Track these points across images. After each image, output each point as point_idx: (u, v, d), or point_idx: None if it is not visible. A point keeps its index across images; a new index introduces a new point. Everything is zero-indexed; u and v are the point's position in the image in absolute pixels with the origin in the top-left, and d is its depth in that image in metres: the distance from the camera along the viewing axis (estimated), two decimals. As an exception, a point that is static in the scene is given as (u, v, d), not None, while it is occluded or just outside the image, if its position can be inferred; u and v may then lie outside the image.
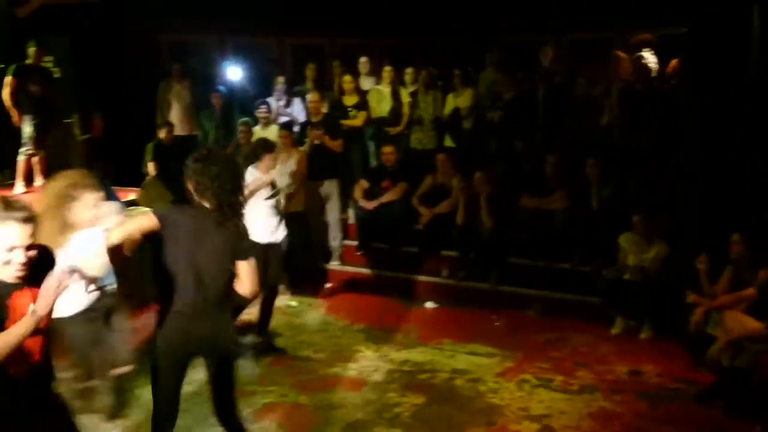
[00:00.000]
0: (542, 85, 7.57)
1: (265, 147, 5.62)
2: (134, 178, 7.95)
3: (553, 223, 6.49)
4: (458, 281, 6.82)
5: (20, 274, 2.46)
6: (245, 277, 3.22)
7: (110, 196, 6.84)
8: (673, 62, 6.86)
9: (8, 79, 7.59)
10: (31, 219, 2.45)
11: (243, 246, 3.26)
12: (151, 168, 7.94)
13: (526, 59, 8.34)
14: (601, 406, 4.62)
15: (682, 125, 6.09)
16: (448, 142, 8.13)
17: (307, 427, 4.33)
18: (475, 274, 6.78)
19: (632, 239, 5.86)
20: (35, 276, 2.49)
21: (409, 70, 8.50)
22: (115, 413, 4.04)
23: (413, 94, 8.31)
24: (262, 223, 5.36)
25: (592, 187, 6.43)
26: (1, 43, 8.73)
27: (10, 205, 2.43)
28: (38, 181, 8.11)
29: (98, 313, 3.69)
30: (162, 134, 8.19)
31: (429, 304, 6.64)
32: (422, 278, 7.01)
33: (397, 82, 8.46)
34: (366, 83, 8.71)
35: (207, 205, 3.20)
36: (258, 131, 8.03)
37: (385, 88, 8.40)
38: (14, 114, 7.59)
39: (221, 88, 9.19)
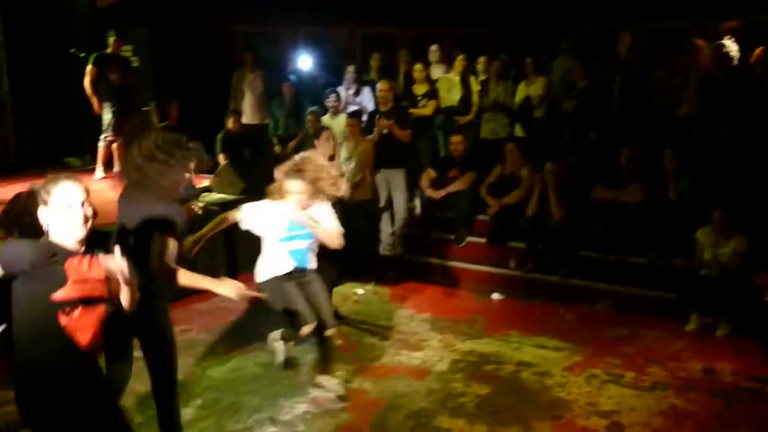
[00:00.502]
0: (619, 75, 7.35)
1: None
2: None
3: (627, 215, 6.30)
4: (526, 273, 6.71)
5: (80, 233, 2.51)
6: None
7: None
8: (758, 51, 6.54)
9: (89, 68, 7.88)
10: (73, 177, 2.60)
11: None
12: (221, 159, 8.11)
13: (602, 48, 8.13)
14: (673, 404, 4.47)
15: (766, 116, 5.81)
16: (519, 132, 8.01)
17: (370, 412, 4.35)
18: (543, 266, 6.66)
19: (710, 234, 5.64)
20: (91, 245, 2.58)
21: (481, 59, 8.41)
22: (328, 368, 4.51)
23: (484, 83, 8.22)
24: None
25: (669, 180, 6.21)
26: (82, 33, 9.08)
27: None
28: (117, 166, 8.39)
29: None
30: (229, 123, 8.33)
31: (495, 296, 6.55)
32: (489, 269, 6.93)
33: (467, 71, 8.37)
34: (436, 72, 8.65)
35: None
36: (327, 120, 8.09)
37: (456, 77, 8.33)
38: (95, 101, 7.88)
39: (292, 77, 9.30)
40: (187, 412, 4.28)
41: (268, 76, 9.38)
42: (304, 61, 9.54)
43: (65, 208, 2.50)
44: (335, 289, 6.59)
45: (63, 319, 2.48)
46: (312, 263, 4.48)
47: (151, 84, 9.89)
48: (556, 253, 6.59)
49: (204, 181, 7.60)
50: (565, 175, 6.62)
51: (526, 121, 7.97)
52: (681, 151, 6.26)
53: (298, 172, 4.27)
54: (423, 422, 4.24)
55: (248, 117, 8.97)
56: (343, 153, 7.03)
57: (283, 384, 4.71)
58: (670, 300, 5.82)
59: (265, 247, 4.46)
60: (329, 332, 4.43)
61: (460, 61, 8.33)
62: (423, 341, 5.49)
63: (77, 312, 2.50)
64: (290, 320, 4.41)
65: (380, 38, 10.47)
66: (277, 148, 8.81)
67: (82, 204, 2.53)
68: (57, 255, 2.48)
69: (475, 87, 8.23)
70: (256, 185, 7.31)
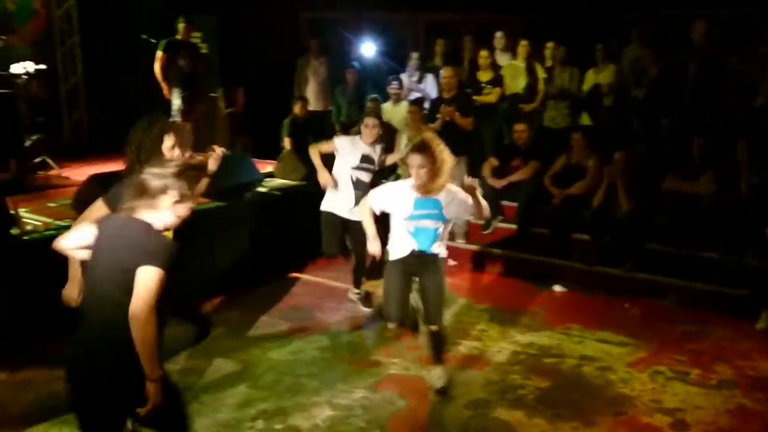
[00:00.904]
0: (692, 63, 7.09)
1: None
2: (271, 151, 8.24)
3: (698, 207, 6.09)
4: (590, 266, 6.56)
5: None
6: None
7: (250, 168, 7.21)
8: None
9: (159, 54, 8.08)
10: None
11: None
12: (287, 143, 8.21)
13: (674, 35, 7.86)
14: (740, 403, 4.31)
15: None
16: (585, 121, 7.83)
17: (428, 401, 4.34)
18: (608, 259, 6.49)
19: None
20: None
21: (549, 45, 8.21)
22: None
23: (549, 70, 8.05)
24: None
25: (742, 172, 5.96)
26: (153, 20, 9.31)
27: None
28: (186, 152, 8.58)
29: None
30: (296, 109, 8.42)
31: (557, 288, 6.44)
32: (551, 261, 6.81)
33: (533, 58, 8.22)
34: (501, 59, 8.53)
35: None
36: (388, 107, 8.09)
37: (521, 64, 8.18)
38: (165, 86, 8.07)
39: (355, 64, 9.32)
40: (247, 393, 4.39)
41: (332, 62, 9.43)
42: (368, 48, 9.54)
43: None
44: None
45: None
46: (437, 248, 4.29)
47: (218, 70, 10.09)
48: (621, 246, 6.41)
49: (267, 167, 7.71)
50: (634, 165, 6.42)
51: (593, 110, 7.77)
52: (755, 143, 6.00)
53: (425, 149, 4.09)
54: (481, 413, 4.21)
55: (312, 103, 9.05)
56: (404, 141, 7.02)
57: (342, 368, 4.76)
58: (739, 296, 5.61)
59: (392, 225, 4.34)
60: (433, 328, 4.37)
61: (523, 47, 8.18)
62: (482, 331, 5.44)
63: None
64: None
65: (444, 25, 10.38)
66: (340, 135, 8.86)
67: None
68: None
69: (541, 74, 8.06)
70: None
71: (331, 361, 4.87)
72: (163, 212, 2.74)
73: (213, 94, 9.42)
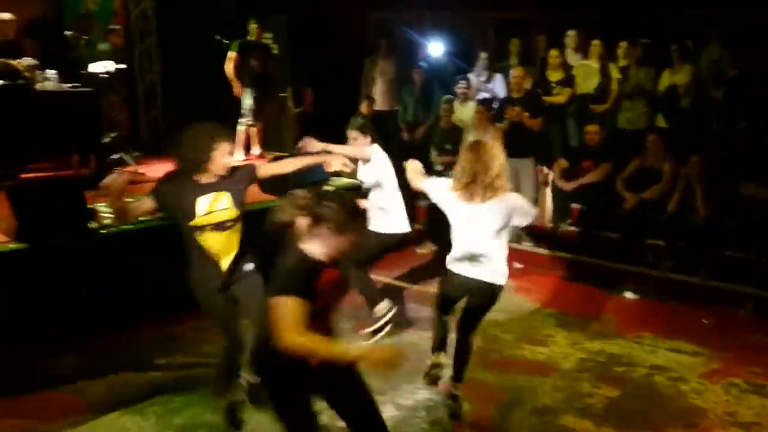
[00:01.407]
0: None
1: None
2: (338, 151, 8.28)
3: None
4: (663, 272, 6.35)
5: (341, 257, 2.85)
6: None
7: (318, 168, 7.27)
8: None
9: (232, 54, 8.26)
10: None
11: None
12: (353, 141, 8.23)
13: (755, 36, 7.53)
14: (824, 422, 4.10)
15: None
16: (660, 122, 7.58)
17: (491, 405, 4.29)
18: (683, 265, 6.26)
19: None
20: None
21: (623, 44, 7.99)
22: None
23: (624, 70, 7.83)
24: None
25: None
26: (226, 21, 9.51)
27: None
28: (255, 150, 8.77)
29: None
30: (363, 108, 8.45)
31: (629, 294, 6.26)
32: (623, 266, 6.61)
33: (606, 57, 8.01)
34: (573, 58, 8.35)
35: None
36: (456, 107, 8.03)
37: (594, 63, 7.99)
38: (236, 85, 8.23)
39: (422, 63, 9.30)
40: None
41: (400, 62, 9.43)
42: (435, 48, 9.50)
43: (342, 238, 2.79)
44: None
45: None
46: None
47: (288, 70, 10.22)
48: (697, 252, 6.19)
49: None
50: (712, 168, 6.19)
51: (669, 111, 7.52)
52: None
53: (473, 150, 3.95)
54: (547, 420, 4.13)
55: (378, 103, 9.07)
56: (470, 140, 6.95)
57: (406, 369, 4.73)
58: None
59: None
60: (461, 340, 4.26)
61: (596, 47, 7.99)
62: (548, 337, 5.34)
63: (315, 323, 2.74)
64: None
65: (514, 23, 10.23)
66: (405, 135, 8.85)
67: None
68: (317, 272, 2.78)
69: (615, 74, 7.86)
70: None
71: (395, 362, 4.85)
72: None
73: (282, 94, 9.56)
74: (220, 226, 3.66)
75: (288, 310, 2.59)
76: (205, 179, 3.64)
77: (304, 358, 2.71)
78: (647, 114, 7.56)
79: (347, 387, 2.98)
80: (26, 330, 4.78)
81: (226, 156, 3.64)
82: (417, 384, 4.49)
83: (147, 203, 3.69)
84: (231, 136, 3.83)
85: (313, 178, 7.03)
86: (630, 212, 6.62)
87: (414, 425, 4.05)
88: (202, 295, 3.70)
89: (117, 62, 8.40)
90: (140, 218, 4.13)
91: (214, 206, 3.65)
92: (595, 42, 8.03)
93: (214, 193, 3.66)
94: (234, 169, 3.76)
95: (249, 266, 3.79)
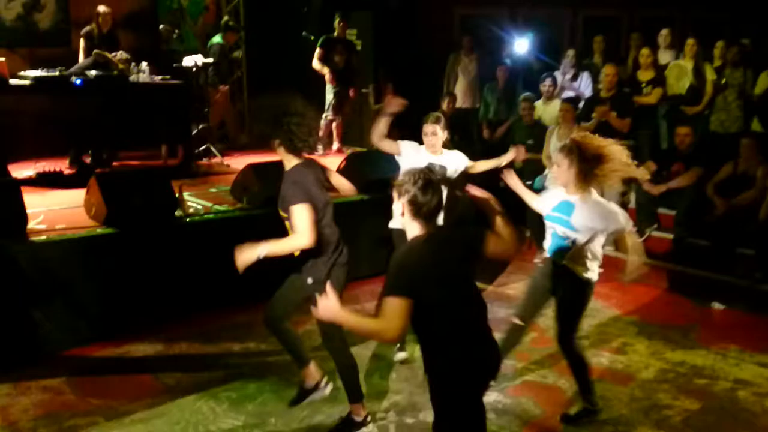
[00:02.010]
0: None
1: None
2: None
3: None
4: (754, 283, 6.03)
5: None
6: None
7: (395, 163, 7.29)
8: None
9: (318, 51, 8.38)
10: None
11: None
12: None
13: None
14: None
15: None
16: (756, 126, 7.20)
17: (564, 411, 4.18)
18: (774, 277, 5.94)
19: None
20: None
21: (719, 44, 7.64)
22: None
23: (719, 71, 7.48)
24: None
25: None
26: (312, 17, 9.66)
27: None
28: (335, 145, 8.87)
29: None
30: (444, 105, 8.39)
31: (716, 305, 5.98)
32: (711, 275, 6.32)
33: (701, 57, 7.68)
34: (665, 57, 8.05)
35: None
36: (539, 105, 7.89)
37: (688, 64, 7.67)
38: (326, 72, 8.33)
39: (507, 61, 9.17)
40: (381, 384, 4.44)
41: (484, 59, 9.34)
42: (521, 45, 9.34)
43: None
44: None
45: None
46: (572, 263, 3.90)
47: (371, 66, 10.29)
48: (791, 264, 5.86)
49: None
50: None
51: (765, 115, 7.14)
52: None
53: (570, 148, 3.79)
54: (622, 430, 4.00)
55: (460, 100, 9.01)
56: (554, 141, 6.80)
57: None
58: None
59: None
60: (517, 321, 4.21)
61: (690, 47, 7.67)
62: (628, 345, 5.16)
63: None
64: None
65: (605, 21, 9.95)
66: (486, 133, 8.75)
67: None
68: None
69: (710, 76, 7.52)
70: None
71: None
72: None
73: (364, 90, 9.62)
74: None
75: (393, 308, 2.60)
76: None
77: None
78: (742, 117, 7.20)
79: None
80: (110, 312, 5.00)
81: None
82: (487, 385, 4.44)
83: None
84: None
85: (391, 173, 7.07)
86: (720, 219, 6.32)
87: (483, 427, 3.98)
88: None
89: (205, 57, 8.66)
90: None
91: None
92: (690, 41, 7.71)
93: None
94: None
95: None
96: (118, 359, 4.75)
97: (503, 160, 4.92)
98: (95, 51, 7.09)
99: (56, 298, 4.78)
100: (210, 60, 8.72)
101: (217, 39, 8.96)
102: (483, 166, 5.08)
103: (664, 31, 8.18)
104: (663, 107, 7.80)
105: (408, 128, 9.00)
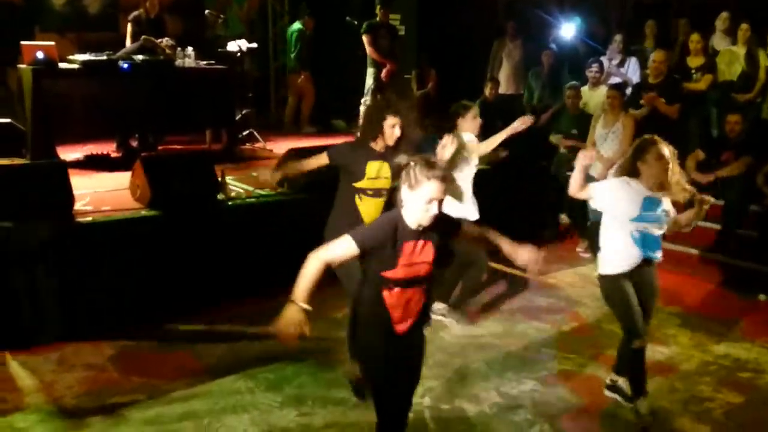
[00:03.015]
0: None
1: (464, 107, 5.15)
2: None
3: None
4: (803, 276, 5.85)
5: (427, 223, 2.73)
6: None
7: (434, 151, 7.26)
8: None
9: (366, 37, 8.37)
10: (445, 178, 2.73)
11: None
12: (476, 124, 8.13)
13: None
14: None
15: None
16: (811, 115, 6.95)
17: (602, 402, 4.12)
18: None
19: None
20: (433, 229, 2.78)
21: (774, 30, 7.38)
22: None
23: (774, 57, 7.23)
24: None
25: None
26: (355, 2, 9.64)
27: (431, 164, 2.74)
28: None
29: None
30: (487, 91, 8.31)
31: (763, 297, 5.81)
32: (758, 266, 6.15)
33: (754, 43, 7.42)
34: (722, 43, 7.80)
35: None
36: (585, 91, 7.74)
37: (740, 50, 7.43)
38: (382, 59, 8.30)
39: (552, 46, 9.02)
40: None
41: (528, 44, 9.20)
42: (567, 30, 9.17)
43: (425, 203, 2.69)
44: (575, 270, 6.38)
45: (385, 293, 2.80)
46: (660, 255, 3.85)
47: (415, 51, 10.24)
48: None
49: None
50: None
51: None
52: None
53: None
54: (661, 421, 3.93)
55: (503, 86, 8.92)
56: (599, 128, 6.67)
57: (514, 357, 4.67)
58: None
59: (609, 228, 3.88)
60: (637, 343, 3.84)
61: (743, 32, 7.42)
62: (670, 336, 5.06)
63: (396, 290, 2.80)
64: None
65: (654, 6, 9.68)
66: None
67: (440, 202, 2.73)
68: (398, 240, 2.75)
69: (764, 62, 7.27)
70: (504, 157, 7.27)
71: (502, 349, 4.79)
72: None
73: (407, 76, 9.58)
74: (378, 193, 4.01)
75: (335, 243, 2.73)
76: (378, 147, 4.01)
77: (389, 313, 2.81)
78: (795, 105, 6.96)
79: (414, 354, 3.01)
80: (152, 293, 5.10)
81: (395, 129, 3.94)
82: (524, 374, 4.41)
83: (322, 158, 4.07)
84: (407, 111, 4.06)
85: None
86: (770, 210, 6.14)
87: (518, 415, 3.96)
88: None
89: (250, 42, 8.73)
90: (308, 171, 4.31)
91: (380, 173, 4.00)
92: (744, 26, 7.46)
93: (382, 161, 4.00)
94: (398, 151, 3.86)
95: None
96: (160, 339, 4.85)
97: (509, 131, 4.99)
98: (143, 37, 7.21)
99: (100, 278, 4.89)
100: (255, 45, 8.79)
101: (297, 25, 9.08)
102: (489, 144, 5.11)
103: (724, 15, 7.91)
104: (714, 94, 7.57)
105: (448, 117, 8.92)
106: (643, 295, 3.86)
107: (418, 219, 2.73)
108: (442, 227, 2.84)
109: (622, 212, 3.77)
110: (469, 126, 5.05)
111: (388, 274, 2.76)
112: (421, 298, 2.88)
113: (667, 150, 3.73)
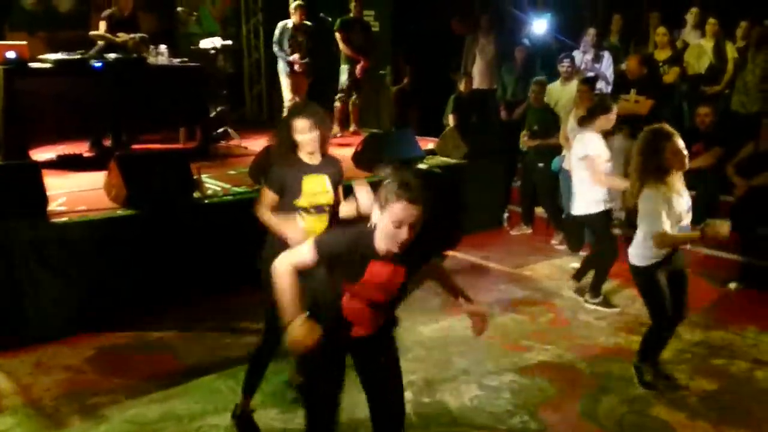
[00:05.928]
0: None
1: (602, 107, 5.40)
2: (437, 129, 8.26)
3: None
4: (773, 264, 5.98)
5: (396, 249, 2.51)
6: None
7: (413, 145, 7.29)
8: None
9: (339, 35, 8.35)
10: (419, 201, 2.47)
11: None
12: (451, 120, 8.18)
13: None
14: None
15: None
16: (779, 106, 7.09)
17: (580, 391, 4.19)
18: (795, 258, 5.88)
19: None
20: (407, 254, 2.55)
21: (742, 24, 7.53)
22: None
23: (742, 51, 7.37)
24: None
25: None
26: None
27: (406, 185, 2.48)
28: (352, 127, 8.87)
29: None
30: (461, 86, 8.34)
31: (733, 285, 5.93)
32: (729, 256, 6.28)
33: (722, 37, 7.56)
34: (692, 37, 7.93)
35: None
36: (557, 86, 7.78)
37: (708, 43, 7.57)
38: (356, 55, 8.27)
39: (525, 41, 9.09)
40: (398, 364, 4.47)
41: (502, 40, 9.26)
42: (539, 25, 9.24)
43: (395, 225, 2.47)
44: (551, 262, 6.46)
45: (345, 299, 2.65)
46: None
47: (389, 47, 10.24)
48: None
49: (429, 144, 7.75)
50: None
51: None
52: None
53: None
54: (637, 410, 4.00)
55: (477, 81, 8.96)
56: (571, 122, 6.73)
57: (492, 350, 4.72)
58: None
59: (656, 221, 4.03)
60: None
61: (711, 26, 7.56)
62: (645, 325, 5.12)
63: (355, 302, 2.65)
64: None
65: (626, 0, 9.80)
66: (503, 114, 8.69)
67: (411, 227, 2.49)
68: (365, 258, 2.56)
69: (732, 54, 7.41)
70: (480, 150, 7.32)
71: (481, 341, 4.81)
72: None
73: (381, 72, 9.59)
74: (320, 209, 3.63)
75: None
76: (311, 160, 3.61)
77: (346, 318, 2.68)
78: (763, 98, 7.09)
79: (380, 357, 2.87)
80: (129, 292, 5.07)
81: (304, 132, 3.51)
82: (503, 366, 4.46)
83: (268, 195, 3.62)
84: (324, 112, 3.71)
85: (408, 155, 7.08)
86: (740, 200, 6.25)
87: (499, 406, 4.01)
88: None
89: (224, 39, 8.69)
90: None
91: (318, 187, 3.61)
92: (711, 20, 7.61)
93: (319, 174, 3.62)
94: (333, 159, 3.76)
95: None
96: (138, 339, 4.83)
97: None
98: (91, 33, 7.12)
99: (77, 279, 4.85)
100: (229, 42, 8.74)
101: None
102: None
103: (693, 10, 8.05)
104: (683, 87, 7.71)
105: (423, 110, 9.00)
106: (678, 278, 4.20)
107: (385, 243, 2.50)
108: (418, 257, 2.66)
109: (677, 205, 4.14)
110: None
111: (349, 286, 2.62)
112: (382, 317, 2.74)
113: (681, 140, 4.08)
